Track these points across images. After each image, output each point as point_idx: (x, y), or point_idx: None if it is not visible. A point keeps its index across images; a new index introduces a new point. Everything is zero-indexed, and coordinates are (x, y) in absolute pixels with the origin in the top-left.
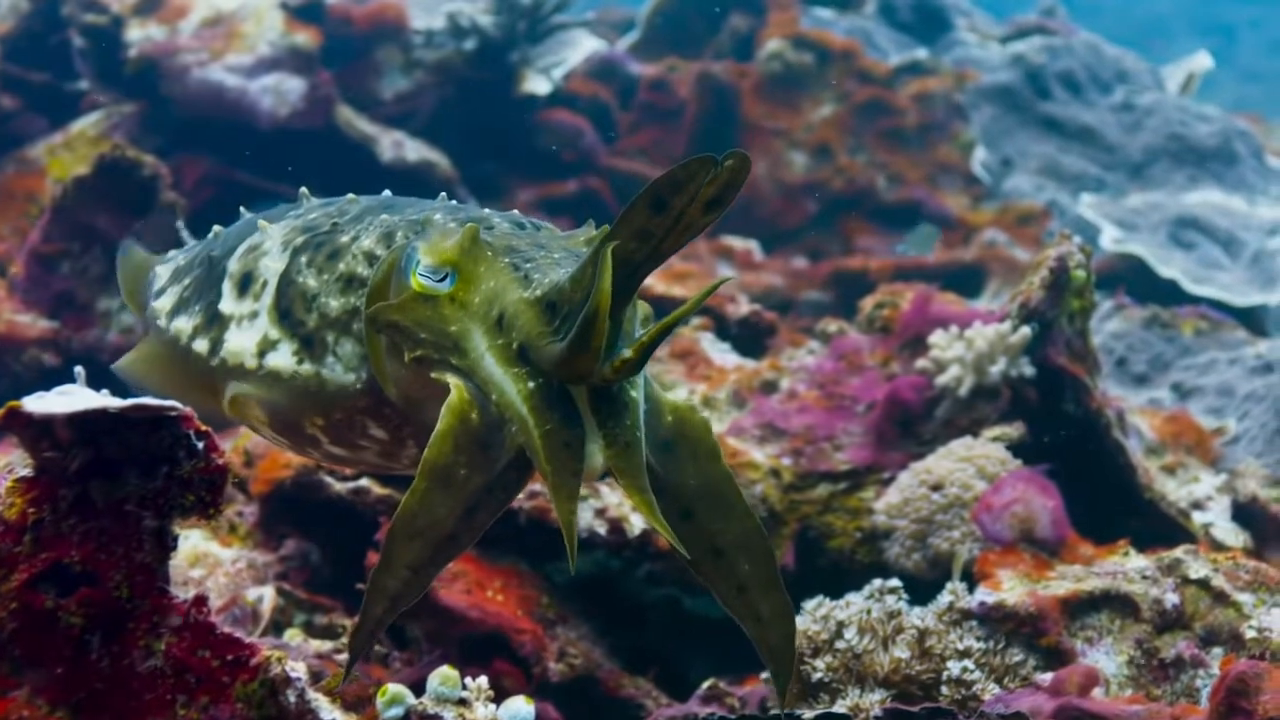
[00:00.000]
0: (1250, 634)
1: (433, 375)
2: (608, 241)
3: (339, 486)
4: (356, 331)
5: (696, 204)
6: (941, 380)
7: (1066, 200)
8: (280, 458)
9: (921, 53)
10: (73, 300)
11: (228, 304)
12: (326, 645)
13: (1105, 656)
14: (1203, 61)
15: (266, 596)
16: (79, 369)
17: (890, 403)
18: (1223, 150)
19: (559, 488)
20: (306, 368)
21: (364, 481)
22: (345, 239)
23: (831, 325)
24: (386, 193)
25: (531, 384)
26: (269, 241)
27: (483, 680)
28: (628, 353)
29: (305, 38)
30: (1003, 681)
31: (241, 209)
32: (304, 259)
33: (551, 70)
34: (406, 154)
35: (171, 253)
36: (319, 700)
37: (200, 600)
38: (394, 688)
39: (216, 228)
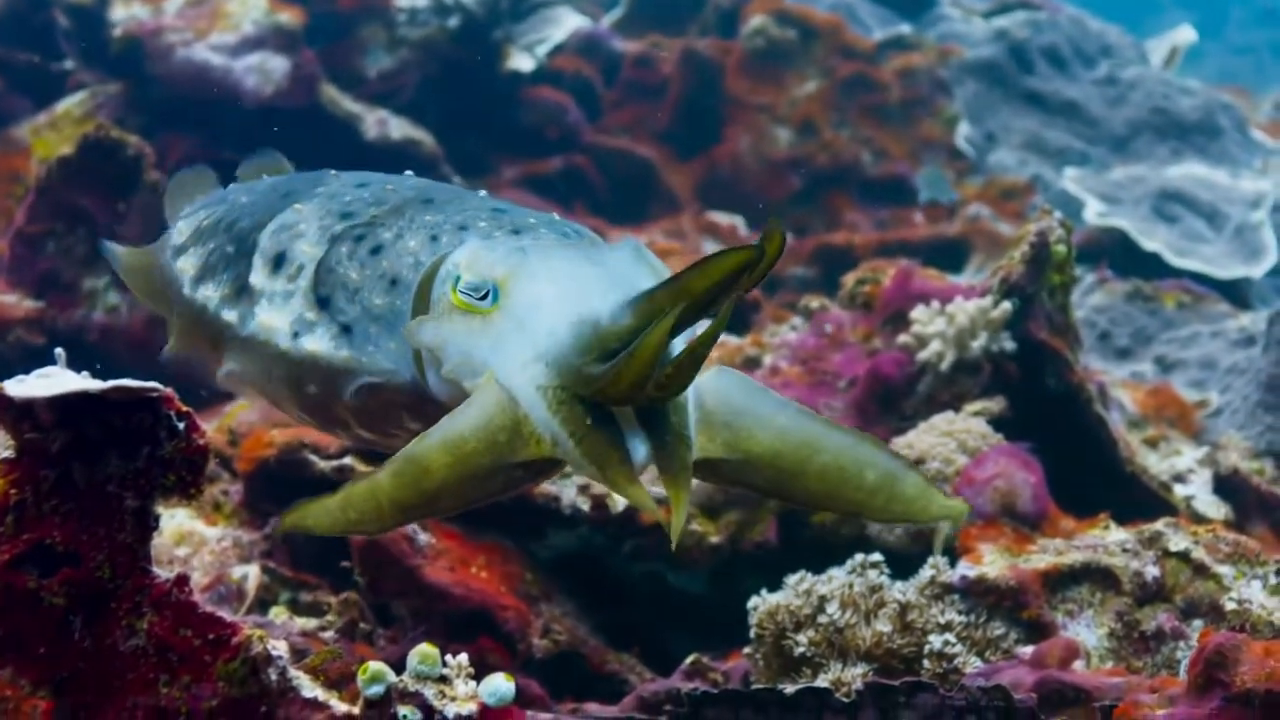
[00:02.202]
0: (1230, 606)
1: (466, 385)
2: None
3: (323, 465)
4: (400, 332)
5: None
6: (923, 355)
7: (1050, 174)
8: (264, 436)
9: (905, 28)
10: (58, 280)
11: (259, 278)
12: (311, 623)
13: (1086, 629)
14: (1186, 35)
15: (251, 574)
16: (59, 351)
17: (872, 378)
18: (1206, 123)
19: (616, 482)
20: (344, 353)
21: (348, 460)
22: (388, 235)
23: (814, 301)
24: (409, 174)
25: (569, 406)
26: (304, 224)
27: (463, 658)
28: (669, 370)
29: (289, 16)
30: (984, 655)
31: (264, 175)
32: (344, 250)
33: (535, 47)
34: (391, 132)
35: (190, 207)
36: (300, 678)
37: (182, 579)
38: (374, 665)
39: (235, 185)
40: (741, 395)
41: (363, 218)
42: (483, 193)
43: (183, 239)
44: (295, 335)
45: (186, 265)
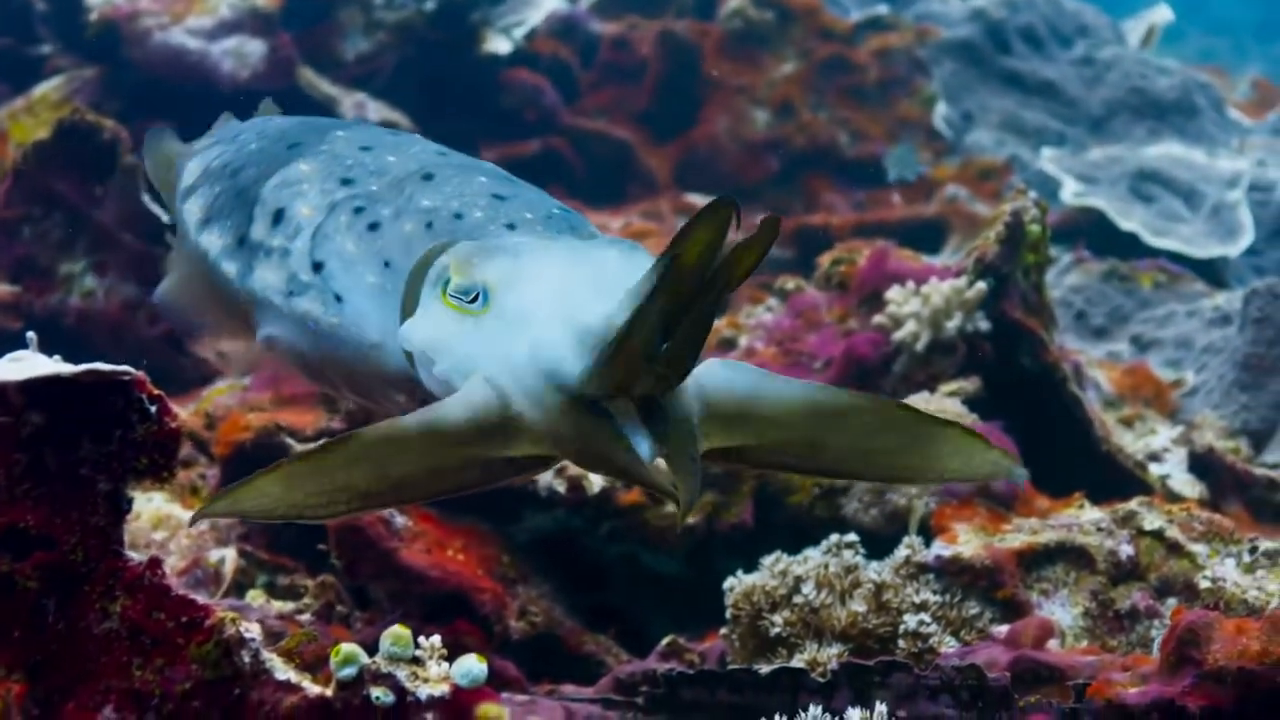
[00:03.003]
0: (1204, 584)
1: (456, 386)
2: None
3: (299, 448)
4: (389, 309)
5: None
6: (898, 336)
7: (1028, 154)
8: (240, 420)
9: (882, 9)
10: (34, 265)
11: (259, 231)
12: (288, 606)
13: (1061, 608)
14: (1162, 14)
15: (228, 558)
16: (31, 334)
17: (847, 359)
18: (1183, 103)
19: (628, 474)
20: (334, 319)
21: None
22: (385, 212)
23: (789, 282)
24: (416, 138)
25: (566, 408)
26: (306, 184)
27: (435, 639)
28: (665, 359)
29: (265, 0)
30: (959, 634)
31: (272, 116)
32: (342, 220)
33: (512, 30)
34: (368, 115)
35: (201, 142)
36: (273, 660)
37: (155, 562)
38: (347, 647)
39: (247, 125)
40: (746, 381)
41: (362, 187)
42: (487, 165)
43: (193, 179)
44: (290, 294)
45: (194, 208)
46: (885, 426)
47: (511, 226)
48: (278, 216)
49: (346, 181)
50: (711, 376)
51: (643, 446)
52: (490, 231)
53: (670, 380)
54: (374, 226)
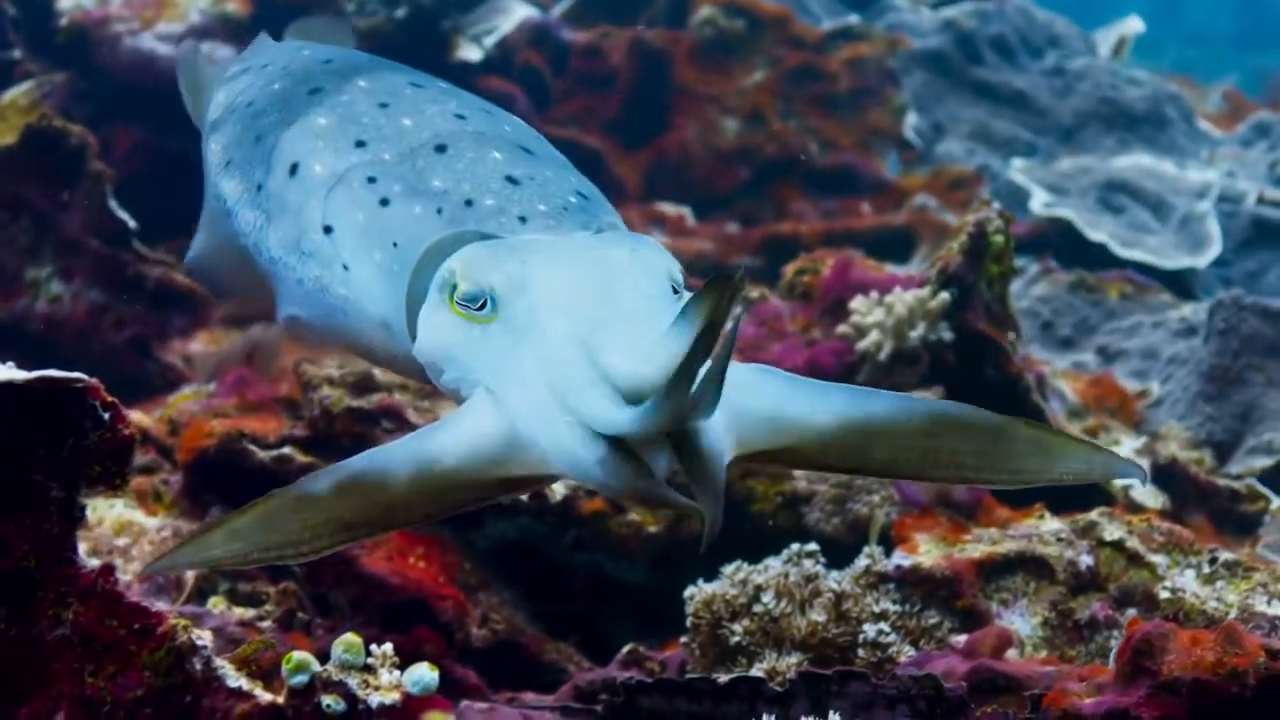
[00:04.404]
0: (1164, 595)
1: (464, 397)
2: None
3: (262, 455)
4: (392, 287)
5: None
6: (861, 346)
7: (998, 165)
8: (204, 426)
9: (854, 18)
10: (1, 270)
11: (276, 183)
12: (249, 613)
13: (1020, 618)
14: (1134, 25)
15: None
16: None
17: (810, 368)
18: (1153, 114)
19: (650, 501)
20: (342, 291)
21: (287, 450)
22: (397, 188)
23: (753, 291)
24: (434, 92)
25: (581, 436)
26: (321, 141)
27: (388, 647)
28: (694, 403)
29: (236, 6)
30: (919, 644)
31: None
32: (355, 186)
33: (484, 38)
34: None
35: (233, 66)
36: (225, 667)
37: (107, 569)
38: (298, 655)
39: (276, 51)
40: (776, 388)
41: (375, 153)
42: (506, 131)
43: (218, 113)
44: (303, 254)
45: (216, 147)
46: (944, 425)
47: (523, 219)
48: (294, 169)
49: (360, 144)
50: (740, 384)
51: (660, 464)
52: (501, 224)
53: (698, 417)
54: (385, 202)
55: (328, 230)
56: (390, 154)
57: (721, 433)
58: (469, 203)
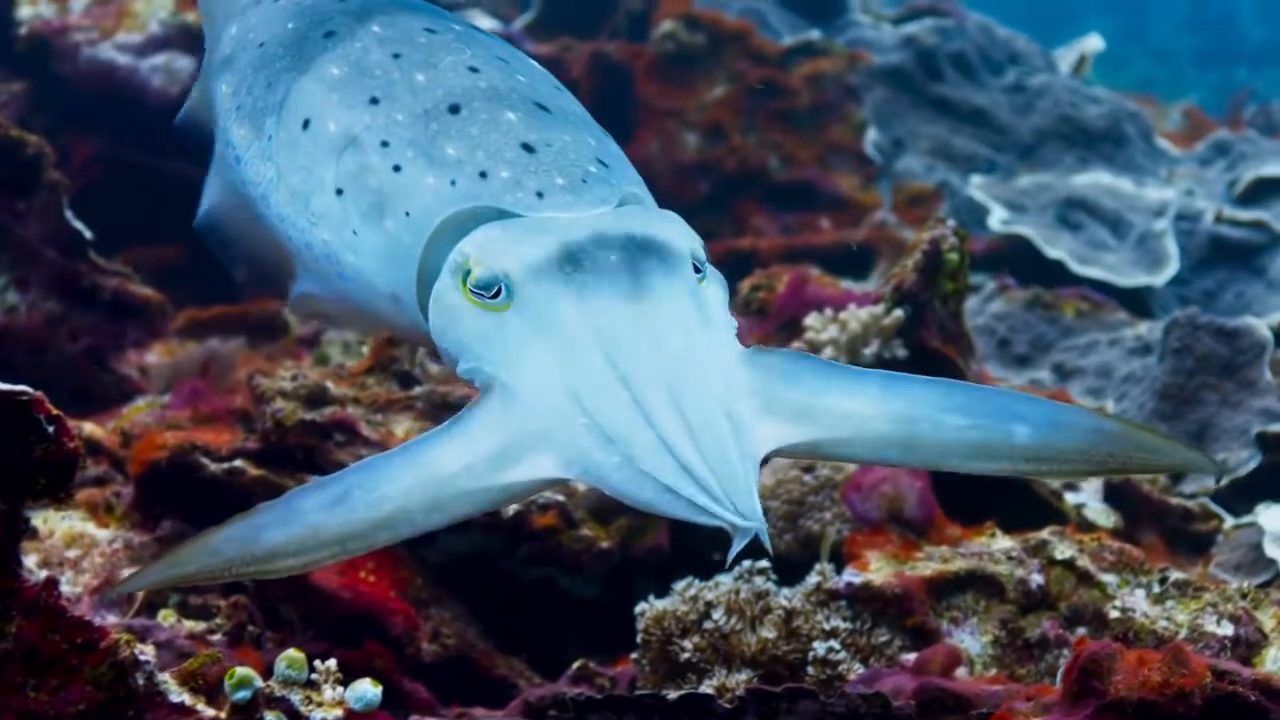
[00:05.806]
0: (1114, 614)
1: (478, 384)
2: None
3: (214, 467)
4: (403, 259)
5: None
6: None
7: (957, 181)
8: (156, 438)
9: (815, 34)
10: None
11: (288, 134)
12: (200, 626)
13: (970, 637)
14: (1094, 44)
15: None
16: None
17: None
18: (1112, 132)
19: (666, 511)
20: (350, 259)
21: (238, 462)
22: (409, 154)
23: None
24: (449, 44)
25: (599, 447)
26: (335, 94)
27: (331, 663)
28: None
29: (196, 17)
30: (868, 661)
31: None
32: (368, 149)
33: None
34: None
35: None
36: (168, 682)
37: (51, 583)
38: (241, 670)
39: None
40: (814, 376)
41: (387, 114)
42: (521, 84)
43: (229, 49)
44: (312, 215)
45: (226, 88)
46: (997, 416)
47: (540, 195)
48: (306, 124)
49: (374, 101)
50: (770, 365)
51: None
52: (517, 199)
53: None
54: (398, 169)
55: (339, 192)
56: (403, 115)
57: (755, 434)
58: (483, 174)
